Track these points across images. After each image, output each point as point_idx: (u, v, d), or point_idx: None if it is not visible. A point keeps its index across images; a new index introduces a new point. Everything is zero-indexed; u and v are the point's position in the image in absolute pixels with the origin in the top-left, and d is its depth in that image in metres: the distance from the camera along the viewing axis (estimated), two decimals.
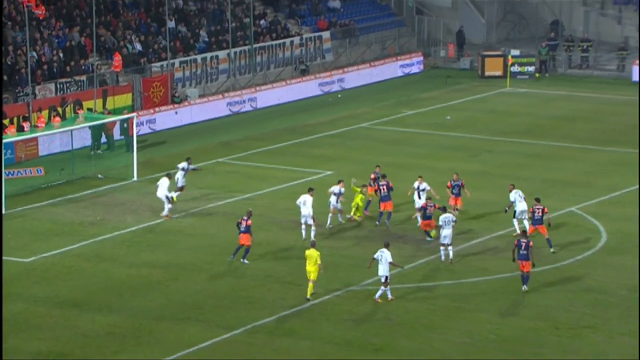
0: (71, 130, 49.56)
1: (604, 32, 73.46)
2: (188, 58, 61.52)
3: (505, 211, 40.71)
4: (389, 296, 34.66)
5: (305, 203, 39.83)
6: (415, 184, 41.40)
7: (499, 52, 69.30)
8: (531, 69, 67.77)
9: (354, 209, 41.73)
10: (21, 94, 53.46)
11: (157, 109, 57.29)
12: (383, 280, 34.52)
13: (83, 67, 56.72)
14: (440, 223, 37.83)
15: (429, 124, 57.34)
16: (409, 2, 75.73)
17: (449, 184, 41.74)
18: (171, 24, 62.13)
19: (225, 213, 43.21)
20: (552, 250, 38.52)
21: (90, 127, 50.85)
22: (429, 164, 49.04)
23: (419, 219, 40.19)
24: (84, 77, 56.17)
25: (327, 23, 69.77)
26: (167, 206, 42.48)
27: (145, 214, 42.99)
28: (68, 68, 56.09)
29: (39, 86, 54.29)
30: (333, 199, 41.03)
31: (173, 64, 60.20)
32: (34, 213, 43.83)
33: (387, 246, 34.87)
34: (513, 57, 66.96)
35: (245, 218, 37.82)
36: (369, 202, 42.28)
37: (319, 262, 34.75)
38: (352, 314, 33.87)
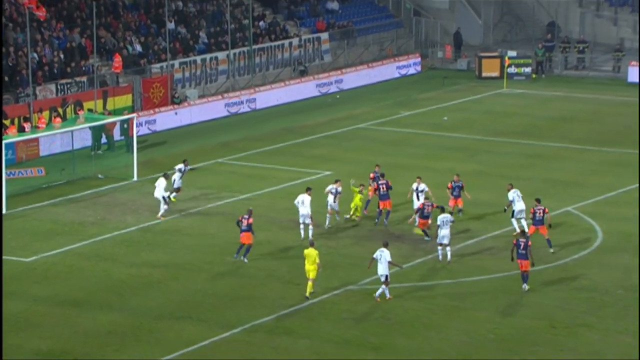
0: (72, 131, 49.53)
1: (600, 33, 73.48)
2: (188, 59, 61.51)
3: (505, 210, 40.71)
4: (387, 295, 34.64)
5: (304, 202, 39.83)
6: (414, 185, 41.38)
7: (495, 54, 69.31)
8: (528, 70, 67.78)
9: (353, 210, 41.71)
10: (22, 94, 53.45)
11: (157, 109, 57.28)
12: (383, 279, 34.50)
13: (83, 68, 56.70)
14: (438, 223, 37.81)
15: (427, 125, 57.33)
16: (406, 4, 75.73)
17: (449, 184, 41.70)
18: (171, 25, 62.11)
19: (224, 213, 43.19)
20: (551, 250, 38.51)
21: (90, 127, 50.83)
22: (427, 164, 49.03)
23: (417, 219, 40.15)
24: (84, 78, 56.16)
25: (325, 24, 69.77)
26: (164, 207, 42.46)
27: (146, 214, 42.97)
28: (69, 69, 56.07)
29: (40, 87, 54.28)
30: (330, 198, 41.02)
31: (173, 65, 60.18)
32: (35, 213, 43.81)
33: (386, 245, 34.86)
34: (510, 58, 66.97)
35: (246, 217, 37.81)
36: (368, 201, 42.28)
37: (317, 261, 34.75)
38: (350, 313, 33.86)
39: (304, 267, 35.09)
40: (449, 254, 37.80)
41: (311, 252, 34.95)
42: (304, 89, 63.85)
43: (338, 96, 64.22)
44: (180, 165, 44.26)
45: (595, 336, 32.35)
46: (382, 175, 41.90)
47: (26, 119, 52.06)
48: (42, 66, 55.12)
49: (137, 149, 48.76)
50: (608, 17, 74.67)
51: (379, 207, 41.62)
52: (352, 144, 53.86)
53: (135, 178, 47.62)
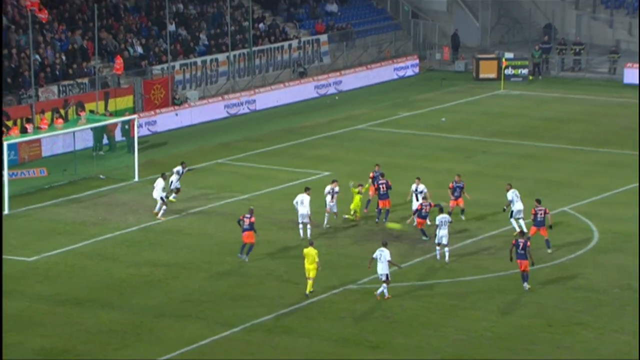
0: (73, 132, 49.51)
1: (596, 35, 73.49)
2: (188, 61, 61.51)
3: (504, 210, 40.68)
4: (386, 294, 34.64)
5: (303, 202, 39.84)
6: (413, 187, 41.34)
7: (493, 55, 69.29)
8: (525, 71, 67.77)
9: (352, 212, 41.66)
10: (24, 96, 53.45)
11: (157, 110, 57.27)
12: (384, 278, 34.49)
13: (85, 70, 56.70)
14: (437, 223, 37.80)
15: (425, 126, 57.33)
16: (404, 6, 75.73)
17: (450, 184, 41.68)
18: (172, 27, 62.10)
19: (224, 213, 43.19)
20: (549, 251, 38.50)
21: (92, 128, 50.81)
22: (425, 165, 49.03)
23: (415, 218, 40.15)
24: (86, 80, 56.16)
25: (324, 26, 69.77)
26: (163, 207, 42.45)
27: (146, 214, 42.95)
28: (70, 71, 56.07)
29: (42, 88, 54.27)
30: (328, 198, 41.02)
31: (173, 67, 60.18)
32: (37, 213, 43.80)
33: (385, 245, 34.87)
34: (507, 60, 66.95)
35: (248, 216, 37.80)
36: (368, 201, 42.30)
37: (316, 260, 34.76)
38: (349, 312, 33.86)
39: (304, 266, 35.08)
40: (447, 254, 37.78)
41: (310, 251, 34.95)
42: (303, 90, 63.84)
43: (337, 97, 64.22)
44: (178, 168, 44.25)
45: (591, 335, 32.37)
46: (382, 175, 41.94)
47: (28, 120, 52.04)
48: (44, 68, 55.11)
49: (138, 149, 48.75)
50: (604, 19, 74.67)
51: (378, 207, 41.66)
52: (351, 145, 53.85)
53: (136, 178, 47.61)
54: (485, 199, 43.38)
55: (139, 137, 49.96)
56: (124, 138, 52.55)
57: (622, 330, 32.61)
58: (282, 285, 35.99)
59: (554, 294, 35.20)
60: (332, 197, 40.93)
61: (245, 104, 60.81)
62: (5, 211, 43.42)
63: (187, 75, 61.33)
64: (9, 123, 51.34)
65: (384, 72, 68.41)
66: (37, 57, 54.92)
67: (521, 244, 35.07)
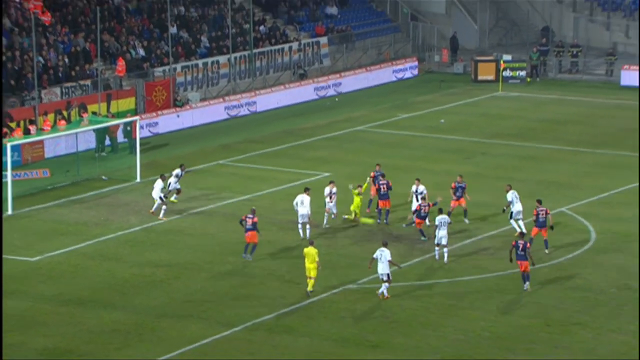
0: (76, 133, 49.49)
1: (593, 37, 73.46)
2: (190, 63, 61.48)
3: (503, 211, 40.60)
4: (385, 294, 34.59)
5: (303, 202, 39.81)
6: (413, 188, 41.28)
7: (491, 57, 69.23)
8: (523, 73, 67.72)
9: (353, 214, 41.59)
10: (28, 98, 53.41)
11: (159, 112, 57.23)
12: (385, 278, 34.44)
13: (88, 72, 56.67)
14: (436, 223, 37.75)
15: (424, 127, 57.29)
16: (404, 9, 75.69)
17: (453, 185, 41.63)
18: (173, 30, 62.06)
19: (225, 213, 43.15)
20: (546, 251, 38.46)
21: (94, 130, 50.78)
22: (424, 166, 48.99)
23: (414, 218, 40.12)
24: (88, 82, 56.12)
25: (324, 29, 69.73)
26: (163, 207, 42.42)
27: (148, 215, 42.89)
28: (73, 73, 56.04)
29: (45, 90, 54.24)
30: (328, 199, 40.98)
31: (175, 69, 60.14)
32: (40, 213, 43.76)
33: (385, 245, 34.84)
34: (505, 62, 66.89)
35: (251, 216, 37.75)
36: (370, 200, 42.28)
37: (317, 259, 34.74)
38: (349, 312, 33.82)
39: (304, 266, 35.05)
40: (445, 255, 37.73)
41: (311, 251, 34.93)
42: (303, 92, 63.80)
43: (337, 99, 64.17)
44: (177, 171, 44.21)
45: (589, 334, 32.33)
46: (383, 176, 41.94)
47: (32, 122, 52.02)
48: (47, 70, 55.08)
49: (140, 150, 48.72)
50: (601, 21, 74.65)
51: (378, 207, 41.66)
52: (351, 146, 53.80)
53: (138, 179, 47.58)
54: (484, 200, 43.32)
55: (140, 139, 49.92)
56: (126, 139, 52.51)
57: (619, 330, 32.57)
58: (284, 285, 35.94)
59: (552, 294, 35.16)
60: (331, 198, 40.90)
61: (245, 106, 60.77)
62: (9, 212, 43.38)
63: (189, 77, 61.29)
64: (13, 124, 51.32)
65: (384, 74, 68.37)
66: (40, 59, 54.89)
67: (521, 245, 35.01)
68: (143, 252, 39.26)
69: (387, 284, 34.53)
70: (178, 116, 57.72)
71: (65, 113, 53.58)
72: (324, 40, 68.71)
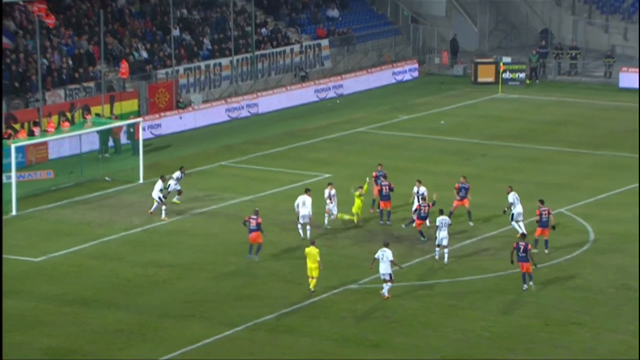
0: (80, 135, 49.46)
1: (592, 40, 73.44)
2: (192, 65, 61.45)
3: (504, 212, 40.54)
4: (386, 294, 34.55)
5: (305, 203, 39.77)
6: (414, 189, 41.23)
7: (491, 60, 69.21)
8: (522, 75, 67.69)
9: (356, 217, 41.53)
10: (32, 99, 53.38)
11: (162, 114, 57.21)
12: (388, 278, 34.40)
13: (91, 74, 56.65)
14: (437, 224, 37.71)
15: (424, 129, 57.25)
16: (404, 12, 75.66)
17: (456, 185, 41.60)
18: (176, 32, 62.03)
19: (227, 214, 43.13)
20: (546, 251, 38.43)
21: (98, 131, 50.75)
22: (425, 167, 48.95)
23: (414, 217, 40.09)
24: (92, 84, 56.10)
25: (325, 31, 69.70)
26: (163, 208, 42.40)
27: (151, 215, 42.84)
28: (77, 75, 56.02)
29: (49, 92, 54.22)
30: (328, 201, 40.95)
31: (178, 71, 60.12)
32: (44, 214, 43.74)
33: (387, 245, 34.81)
34: (505, 64, 66.86)
35: (254, 217, 37.72)
36: (374, 200, 42.22)
37: (318, 259, 34.73)
38: (350, 312, 33.78)
39: (306, 266, 35.04)
40: (446, 255, 37.69)
41: (312, 251, 34.93)
42: (304, 94, 63.77)
43: (338, 101, 64.14)
44: (177, 173, 44.18)
45: (588, 334, 32.29)
46: (385, 176, 41.91)
47: (36, 123, 52.00)
48: (51, 72, 55.07)
49: (143, 152, 48.68)
50: (599, 24, 74.64)
51: (379, 207, 41.65)
52: (352, 148, 53.78)
53: (141, 180, 47.55)
54: (484, 201, 43.26)
55: (143, 140, 49.87)
56: (129, 141, 52.50)
57: (618, 330, 32.54)
58: (285, 285, 35.91)
59: (552, 294, 35.11)
60: (331, 200, 40.86)
61: (247, 108, 60.73)
62: (13, 212, 43.37)
63: (191, 79, 61.26)
64: (17, 126, 51.32)
65: (384, 76, 68.34)
66: (45, 61, 54.87)
67: (522, 247, 34.96)
68: (146, 252, 39.23)
69: (389, 284, 34.49)
70: (180, 118, 57.69)
71: (69, 115, 53.57)
72: (325, 42, 68.67)
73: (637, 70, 65.56)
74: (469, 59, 70.88)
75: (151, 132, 55.64)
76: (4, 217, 42.72)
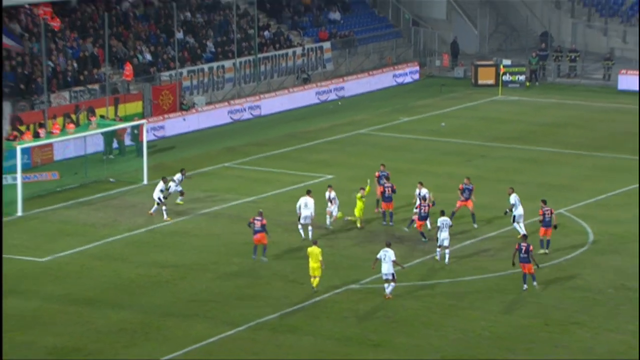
0: (84, 136, 49.45)
1: (591, 43, 73.37)
2: (195, 67, 61.42)
3: (506, 213, 40.44)
4: (387, 294, 34.49)
5: (307, 205, 39.72)
6: (416, 191, 41.14)
7: (491, 62, 69.15)
8: (522, 77, 67.62)
9: (359, 221, 41.45)
10: (37, 101, 53.38)
11: (166, 115, 57.18)
12: (390, 277, 34.35)
13: (96, 76, 56.63)
14: (438, 225, 37.65)
15: (425, 130, 57.19)
16: (405, 15, 75.62)
17: (460, 186, 41.53)
18: (179, 35, 62.02)
19: (230, 215, 43.09)
20: (547, 250, 38.35)
21: (102, 133, 50.73)
22: (426, 169, 48.91)
23: (414, 217, 40.04)
24: (96, 86, 56.08)
25: (327, 34, 69.66)
26: (163, 209, 42.38)
27: (154, 216, 42.81)
28: (82, 77, 56.01)
29: (54, 94, 54.21)
30: (329, 204, 40.92)
31: (181, 73, 60.09)
32: (49, 215, 43.71)
33: (389, 245, 34.77)
34: (505, 66, 66.80)
35: (259, 218, 37.67)
36: (378, 200, 42.17)
37: (320, 258, 34.70)
38: (352, 312, 33.73)
39: (308, 265, 35.00)
40: (447, 256, 37.65)
41: (314, 250, 34.91)
42: (307, 96, 63.72)
43: (340, 103, 64.10)
44: (178, 175, 44.16)
45: (587, 334, 32.24)
46: (388, 178, 41.87)
47: (41, 125, 52.00)
48: (56, 74, 55.06)
49: (147, 153, 48.64)
50: (598, 27, 74.58)
51: (381, 208, 41.62)
52: (353, 149, 53.72)
53: (145, 182, 47.52)
54: (484, 202, 43.17)
55: (147, 142, 49.83)
56: (133, 142, 52.47)
57: (617, 329, 32.50)
58: (288, 285, 35.86)
59: (551, 294, 35.06)
60: (332, 203, 40.80)
61: (250, 110, 60.69)
62: (19, 213, 43.37)
63: (195, 82, 61.22)
64: (22, 128, 51.32)
65: (385, 79, 68.28)
66: (50, 64, 54.87)
67: (524, 248, 34.91)
68: (149, 252, 39.20)
69: (393, 284, 34.44)
70: (184, 119, 57.66)
71: (74, 117, 53.53)
72: (327, 45, 68.64)
73: (636, 72, 65.48)
74: (470, 61, 70.81)
75: (154, 135, 55.57)
76: (10, 218, 42.74)
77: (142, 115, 55.73)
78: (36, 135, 50.43)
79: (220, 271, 37.29)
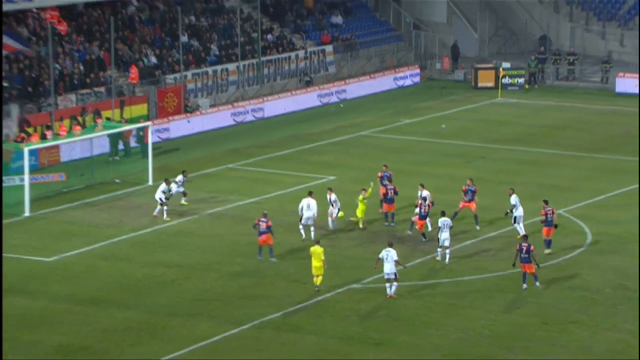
0: (91, 138, 49.45)
1: (589, 46, 73.37)
2: (200, 70, 61.43)
3: (506, 214, 40.37)
4: (389, 293, 34.46)
5: (309, 206, 39.68)
6: (418, 193, 41.07)
7: (491, 65, 69.11)
8: (521, 80, 67.59)
9: (361, 222, 41.42)
10: (44, 104, 53.41)
11: (170, 118, 57.17)
12: (393, 277, 34.32)
13: (102, 79, 56.64)
14: (439, 225, 37.62)
15: (426, 132, 57.16)
16: (406, 18, 75.60)
17: (463, 187, 41.49)
18: (184, 38, 62.02)
19: (234, 215, 43.07)
20: (548, 250, 38.31)
21: (108, 135, 50.74)
22: (427, 170, 48.88)
23: (416, 220, 40.02)
24: (102, 89, 56.10)
25: (330, 37, 69.66)
26: (164, 209, 42.37)
27: (158, 217, 42.78)
28: (88, 80, 56.02)
29: (61, 97, 54.22)
30: (331, 207, 40.87)
31: (186, 76, 60.09)
32: (56, 216, 43.70)
33: (391, 245, 34.75)
34: (504, 69, 66.78)
35: (265, 220, 37.66)
36: (381, 200, 42.15)
37: (322, 257, 34.68)
38: (354, 311, 33.70)
39: (311, 265, 34.99)
40: (447, 256, 37.62)
41: (317, 250, 34.91)
42: (309, 98, 63.71)
43: (342, 105, 64.09)
44: (180, 177, 44.16)
45: (585, 333, 32.20)
46: (390, 180, 41.81)
47: (48, 127, 52.02)
48: (63, 77, 55.07)
49: (152, 155, 48.65)
50: (596, 31, 74.55)
51: (383, 210, 41.57)
52: (355, 151, 53.70)
53: (150, 183, 47.50)
54: (484, 203, 43.09)
55: (152, 143, 49.85)
56: (138, 144, 52.47)
57: (614, 328, 32.46)
58: (291, 284, 35.84)
59: (551, 293, 35.02)
60: (333, 205, 40.76)
61: (253, 112, 60.68)
62: (26, 214, 43.37)
63: (199, 84, 61.23)
64: (30, 130, 51.34)
65: (387, 82, 68.24)
66: (57, 67, 54.88)
67: (525, 248, 34.87)
68: (154, 253, 39.18)
69: (396, 283, 34.42)
70: (188, 122, 57.65)
71: (80, 119, 53.53)
72: (329, 48, 68.64)
73: (633, 75, 65.41)
74: (470, 64, 70.78)
75: (159, 136, 55.54)
76: (17, 218, 42.76)
77: (147, 118, 55.71)
78: (43, 137, 50.44)
79: (224, 271, 37.27)
